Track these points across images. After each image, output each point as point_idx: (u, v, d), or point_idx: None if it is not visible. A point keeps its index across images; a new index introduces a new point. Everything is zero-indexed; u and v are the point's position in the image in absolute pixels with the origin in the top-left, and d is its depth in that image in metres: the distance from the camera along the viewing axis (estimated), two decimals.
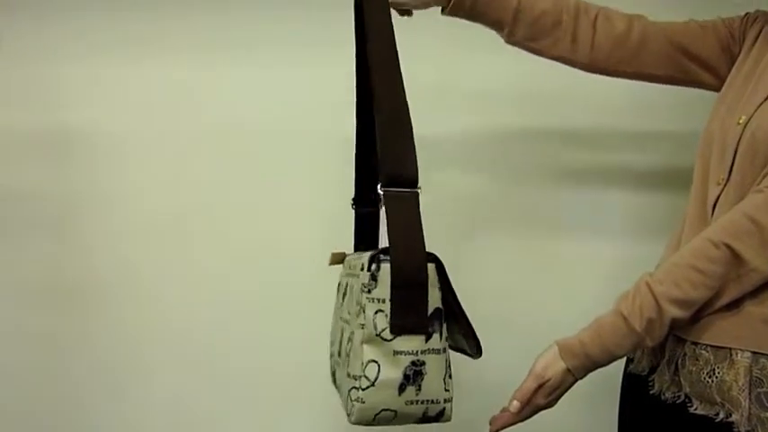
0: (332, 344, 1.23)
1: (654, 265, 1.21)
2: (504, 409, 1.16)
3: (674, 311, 1.08)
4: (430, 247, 0.99)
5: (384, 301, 0.95)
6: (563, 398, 1.18)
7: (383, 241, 1.29)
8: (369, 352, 0.94)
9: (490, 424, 1.18)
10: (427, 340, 0.96)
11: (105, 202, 1.77)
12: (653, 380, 1.21)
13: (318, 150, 1.73)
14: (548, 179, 1.77)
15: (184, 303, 1.77)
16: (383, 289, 0.95)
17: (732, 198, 1.13)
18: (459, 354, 1.13)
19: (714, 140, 1.21)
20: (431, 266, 0.98)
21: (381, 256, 0.95)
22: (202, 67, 1.76)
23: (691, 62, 1.33)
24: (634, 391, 1.28)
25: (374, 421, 0.96)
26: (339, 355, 1.13)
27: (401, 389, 0.95)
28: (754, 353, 1.07)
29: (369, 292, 0.95)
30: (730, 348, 1.09)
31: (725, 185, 1.15)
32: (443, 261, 0.99)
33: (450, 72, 1.74)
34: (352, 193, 1.35)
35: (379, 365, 0.94)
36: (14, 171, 1.77)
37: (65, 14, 1.75)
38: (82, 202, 1.77)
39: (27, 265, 1.77)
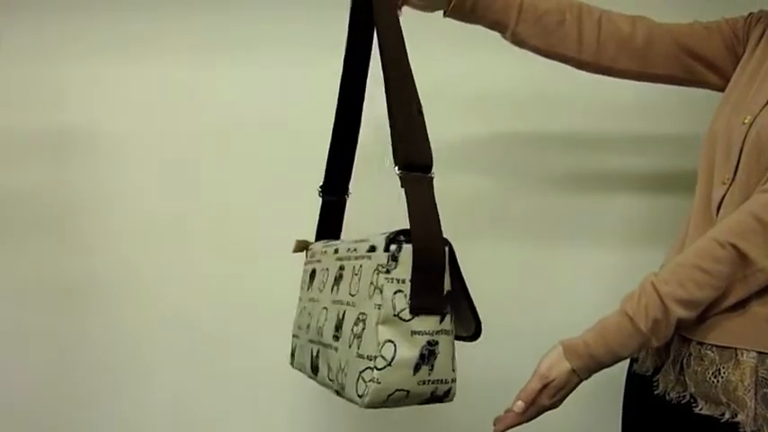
0: (303, 328, 1.23)
1: (657, 268, 1.21)
2: (509, 410, 1.16)
3: (679, 312, 1.08)
4: None
5: (404, 282, 0.95)
6: (566, 398, 1.18)
7: (346, 230, 1.32)
8: (385, 332, 0.95)
9: (494, 425, 1.17)
10: (441, 321, 0.97)
11: (105, 202, 1.76)
12: (657, 380, 1.20)
13: (319, 150, 1.72)
14: (549, 182, 1.76)
15: (184, 303, 1.77)
16: (403, 269, 0.95)
17: (737, 198, 1.13)
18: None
19: (719, 140, 1.20)
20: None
21: (401, 237, 0.96)
22: (202, 67, 1.76)
23: (697, 63, 1.33)
24: (638, 391, 1.27)
25: (386, 402, 0.96)
26: (322, 336, 1.11)
27: (416, 368, 0.96)
28: (759, 353, 1.07)
29: (388, 272, 0.95)
30: (736, 348, 1.09)
31: (730, 185, 1.15)
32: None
33: (452, 74, 1.74)
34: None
35: (395, 345, 0.94)
36: (14, 171, 1.76)
37: (65, 14, 1.75)
38: (82, 202, 1.77)
39: (27, 265, 1.77)
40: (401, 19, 1.27)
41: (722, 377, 1.09)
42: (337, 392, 1.07)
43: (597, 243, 1.75)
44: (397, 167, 1.00)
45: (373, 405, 0.96)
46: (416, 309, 0.95)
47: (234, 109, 1.78)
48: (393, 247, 0.96)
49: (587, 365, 1.13)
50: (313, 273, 1.26)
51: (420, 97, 1.09)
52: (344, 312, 1.06)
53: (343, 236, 1.36)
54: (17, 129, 1.76)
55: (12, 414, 1.77)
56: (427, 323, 0.96)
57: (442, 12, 1.33)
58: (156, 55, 1.77)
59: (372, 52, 1.24)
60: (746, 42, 1.31)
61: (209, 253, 1.77)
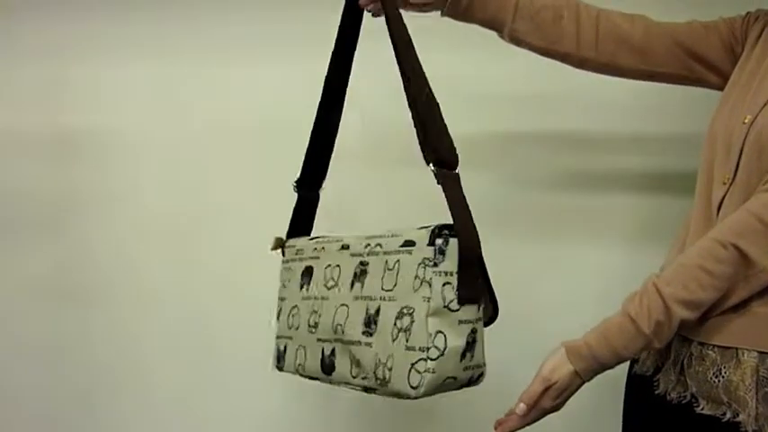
0: (297, 327, 1.23)
1: (657, 268, 1.21)
2: (511, 412, 1.15)
3: (682, 313, 1.08)
4: None
5: (452, 274, 1.00)
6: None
7: (317, 226, 1.35)
8: (435, 323, 0.99)
9: (495, 428, 1.17)
10: (479, 309, 1.04)
11: (106, 202, 1.77)
12: (658, 380, 1.21)
13: None
14: (549, 182, 1.76)
15: (184, 303, 1.77)
16: (450, 262, 1.01)
17: (738, 198, 1.13)
18: None
19: (718, 140, 1.20)
20: None
21: (445, 231, 1.01)
22: (204, 67, 1.76)
23: (696, 62, 1.33)
24: (639, 391, 1.27)
25: (436, 390, 1.01)
26: (343, 333, 1.11)
27: (463, 356, 1.01)
28: (760, 353, 1.08)
29: (435, 265, 1.00)
30: (737, 348, 1.09)
31: (730, 185, 1.15)
32: None
33: (452, 74, 1.73)
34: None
35: (445, 335, 0.99)
36: (16, 171, 1.76)
37: (66, 15, 1.76)
38: (82, 202, 1.77)
39: (27, 265, 1.77)
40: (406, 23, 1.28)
41: (723, 377, 1.09)
42: (366, 389, 1.09)
43: (597, 243, 1.74)
44: (431, 164, 1.06)
45: (427, 394, 1.00)
46: (464, 299, 1.01)
47: (236, 109, 1.78)
48: (439, 241, 1.00)
49: (590, 367, 1.13)
50: (308, 270, 1.25)
51: None
52: (378, 307, 1.07)
53: (313, 232, 1.36)
54: (17, 129, 1.76)
55: (12, 414, 1.77)
56: (470, 312, 1.02)
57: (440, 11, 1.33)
58: (156, 55, 1.77)
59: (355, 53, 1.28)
60: (745, 42, 1.30)
61: (209, 253, 1.77)
